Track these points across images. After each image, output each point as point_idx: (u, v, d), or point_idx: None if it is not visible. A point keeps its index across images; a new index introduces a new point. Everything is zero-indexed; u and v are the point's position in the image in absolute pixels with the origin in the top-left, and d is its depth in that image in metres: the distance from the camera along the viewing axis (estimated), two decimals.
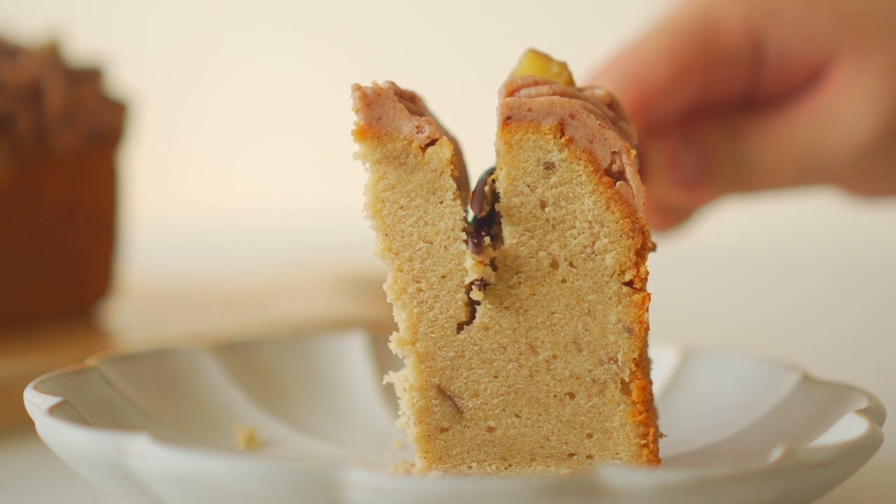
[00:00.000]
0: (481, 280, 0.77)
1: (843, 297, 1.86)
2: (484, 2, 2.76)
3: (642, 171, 0.97)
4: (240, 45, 2.85)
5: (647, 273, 0.77)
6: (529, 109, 0.76)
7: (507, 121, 0.76)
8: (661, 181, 1.00)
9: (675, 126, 1.02)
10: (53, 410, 0.74)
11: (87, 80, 1.26)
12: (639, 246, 0.76)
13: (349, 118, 0.82)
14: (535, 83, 0.78)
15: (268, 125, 2.71)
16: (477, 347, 0.78)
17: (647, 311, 0.77)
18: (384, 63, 2.77)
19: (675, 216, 1.08)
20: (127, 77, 1.43)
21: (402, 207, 0.78)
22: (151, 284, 1.50)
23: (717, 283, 1.98)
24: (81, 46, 1.34)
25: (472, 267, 0.76)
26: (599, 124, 0.76)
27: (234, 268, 1.77)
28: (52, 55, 1.23)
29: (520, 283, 0.78)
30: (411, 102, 0.80)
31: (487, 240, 0.77)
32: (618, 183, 0.76)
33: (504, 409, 0.79)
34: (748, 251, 2.29)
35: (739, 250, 2.28)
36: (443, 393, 0.79)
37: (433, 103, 0.84)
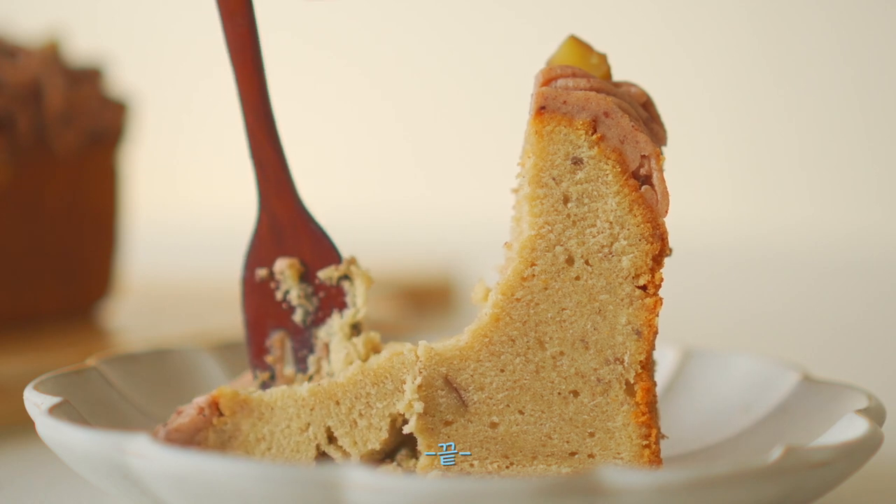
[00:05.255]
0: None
1: (843, 297, 1.86)
2: None
3: None
4: None
5: (662, 279, 0.77)
6: (564, 102, 0.76)
7: (540, 110, 0.76)
8: None
9: None
10: (53, 410, 0.74)
11: (87, 80, 1.26)
12: (657, 252, 0.76)
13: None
14: (574, 74, 0.77)
15: None
16: (486, 339, 0.78)
17: (657, 315, 0.77)
18: (387, 63, 2.77)
19: None
20: (127, 77, 1.43)
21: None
22: (151, 284, 1.50)
23: (717, 283, 1.98)
24: (81, 46, 1.34)
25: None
26: (633, 126, 0.76)
27: (234, 268, 1.77)
28: (52, 55, 1.23)
29: (533, 275, 0.77)
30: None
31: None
32: (643, 187, 0.76)
33: (508, 405, 0.78)
34: (748, 251, 2.29)
35: (739, 250, 2.28)
36: (449, 384, 0.78)
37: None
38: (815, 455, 0.67)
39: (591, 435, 0.78)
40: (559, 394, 0.78)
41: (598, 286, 0.77)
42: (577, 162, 0.76)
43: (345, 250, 0.84)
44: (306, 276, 0.83)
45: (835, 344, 1.47)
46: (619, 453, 0.78)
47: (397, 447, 0.81)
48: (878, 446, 0.72)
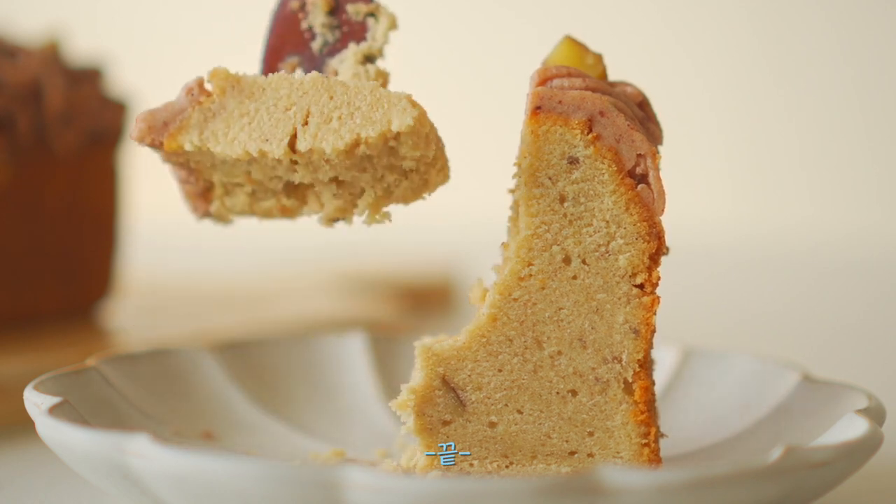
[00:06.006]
0: None
1: (843, 297, 1.86)
2: None
3: None
4: (240, 45, 2.85)
5: (659, 278, 0.77)
6: (560, 102, 0.76)
7: (536, 110, 0.76)
8: None
9: None
10: (53, 410, 0.74)
11: (87, 80, 1.26)
12: (653, 250, 0.76)
13: None
14: (569, 74, 0.78)
15: None
16: (484, 339, 0.78)
17: (654, 314, 0.77)
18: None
19: None
20: (127, 77, 1.43)
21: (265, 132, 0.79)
22: (151, 284, 1.50)
23: (717, 283, 1.98)
24: (81, 46, 1.34)
25: None
26: (628, 125, 0.76)
27: (234, 268, 1.77)
28: (52, 55, 1.23)
29: (531, 275, 0.78)
30: None
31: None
32: (639, 186, 0.76)
33: (506, 405, 0.79)
34: (748, 251, 2.29)
35: (739, 250, 2.28)
36: (447, 384, 0.79)
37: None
38: (815, 455, 0.67)
39: (591, 434, 0.78)
40: (557, 393, 0.78)
41: (595, 285, 0.77)
42: (573, 161, 0.77)
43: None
44: (335, 12, 0.86)
45: (835, 344, 1.47)
46: (618, 452, 0.78)
47: (341, 194, 0.82)
48: (878, 446, 0.72)
